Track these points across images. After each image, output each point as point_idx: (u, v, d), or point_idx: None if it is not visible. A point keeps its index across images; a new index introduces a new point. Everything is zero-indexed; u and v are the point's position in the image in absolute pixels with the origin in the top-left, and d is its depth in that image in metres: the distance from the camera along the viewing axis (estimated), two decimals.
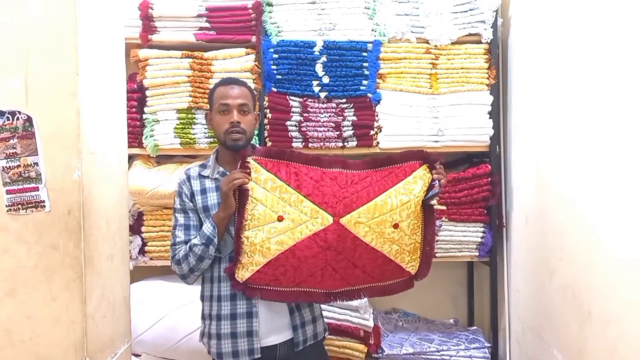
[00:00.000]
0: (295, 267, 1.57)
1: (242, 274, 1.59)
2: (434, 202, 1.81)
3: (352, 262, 1.61)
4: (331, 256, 1.58)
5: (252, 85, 2.48)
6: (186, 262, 1.62)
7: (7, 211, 1.32)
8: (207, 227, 1.60)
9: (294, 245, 1.56)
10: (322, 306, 1.85)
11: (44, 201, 1.33)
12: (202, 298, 1.71)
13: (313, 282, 1.60)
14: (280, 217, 1.56)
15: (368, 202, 1.59)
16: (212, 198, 1.67)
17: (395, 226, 1.61)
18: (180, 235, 1.65)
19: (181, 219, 1.68)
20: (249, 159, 1.58)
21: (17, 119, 1.32)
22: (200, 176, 1.71)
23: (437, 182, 1.63)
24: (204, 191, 1.69)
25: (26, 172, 1.33)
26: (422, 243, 1.70)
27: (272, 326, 1.65)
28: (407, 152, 1.69)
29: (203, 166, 1.74)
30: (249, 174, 1.57)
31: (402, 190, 1.63)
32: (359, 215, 1.58)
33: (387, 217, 1.60)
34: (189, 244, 1.62)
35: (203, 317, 1.71)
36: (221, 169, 1.72)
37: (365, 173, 1.65)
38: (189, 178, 1.71)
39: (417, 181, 1.64)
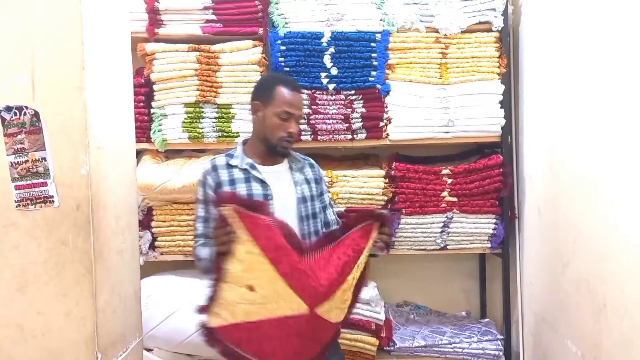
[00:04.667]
0: (258, 342, 1.49)
1: (211, 320, 1.50)
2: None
3: (317, 342, 1.57)
4: (299, 342, 1.51)
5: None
6: (199, 264, 1.65)
7: (17, 207, 1.32)
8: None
9: (261, 321, 1.48)
10: None
11: (52, 196, 1.32)
12: None
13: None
14: (250, 286, 1.47)
15: (340, 286, 1.53)
16: (241, 189, 1.67)
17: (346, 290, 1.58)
18: (200, 227, 1.68)
19: (201, 211, 1.68)
20: (232, 220, 1.45)
21: (24, 114, 1.32)
22: (229, 165, 1.71)
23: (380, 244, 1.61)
24: (232, 182, 1.68)
25: (34, 167, 1.32)
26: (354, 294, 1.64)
27: None
28: (361, 214, 1.65)
29: (229, 156, 1.75)
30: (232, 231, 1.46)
31: (363, 259, 1.59)
32: (334, 301, 1.52)
33: (350, 291, 1.58)
34: (198, 256, 1.64)
35: None
36: (249, 160, 1.72)
37: (327, 252, 1.57)
38: (215, 168, 1.71)
39: (370, 243, 1.60)
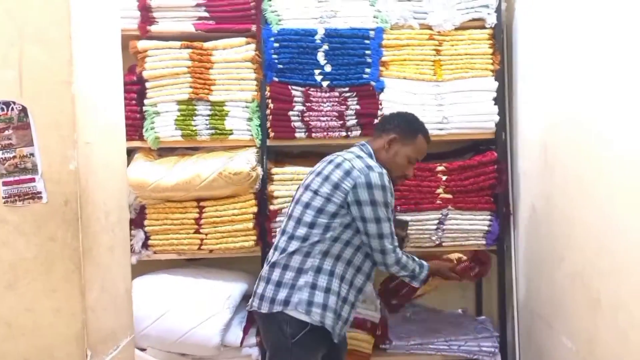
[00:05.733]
0: None
1: None
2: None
3: None
4: None
5: (253, 75, 2.45)
6: (403, 269, 1.82)
7: (5, 203, 1.31)
8: (424, 274, 1.85)
9: None
10: None
11: (40, 192, 1.31)
12: (333, 274, 1.76)
13: None
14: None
15: None
16: (393, 203, 1.83)
17: None
18: (389, 228, 1.78)
19: (389, 213, 1.78)
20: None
21: (12, 109, 1.30)
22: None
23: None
24: (392, 194, 1.80)
25: (22, 163, 1.31)
26: None
27: None
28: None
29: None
30: None
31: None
32: None
33: None
34: (405, 263, 1.81)
35: (318, 288, 1.74)
36: None
37: None
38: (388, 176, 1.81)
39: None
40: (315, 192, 1.78)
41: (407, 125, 1.89)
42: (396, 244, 1.79)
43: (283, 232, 1.84)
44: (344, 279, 1.78)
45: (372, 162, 1.80)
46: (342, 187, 1.74)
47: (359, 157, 1.81)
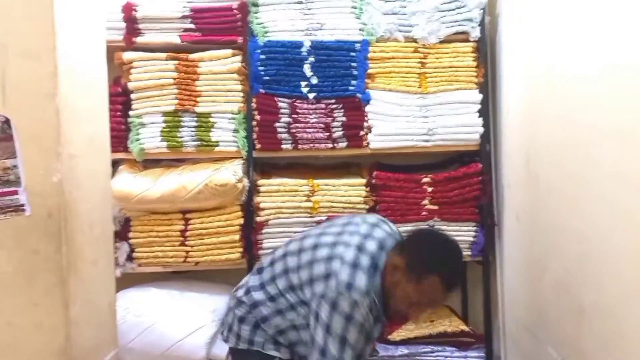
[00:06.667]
0: None
1: None
2: None
3: None
4: None
5: (239, 87, 2.45)
6: None
7: None
8: None
9: None
10: None
11: (23, 205, 1.29)
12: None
13: None
14: None
15: None
16: (369, 328, 1.52)
17: None
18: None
19: (341, 349, 1.43)
20: None
21: None
22: (375, 301, 1.49)
23: None
24: (377, 320, 1.54)
25: (5, 175, 1.29)
26: None
27: None
28: None
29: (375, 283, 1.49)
30: None
31: None
32: None
33: None
34: None
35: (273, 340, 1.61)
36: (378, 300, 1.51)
37: None
38: (369, 293, 1.46)
39: None
40: (298, 268, 1.56)
41: (422, 257, 1.46)
42: None
43: (259, 271, 1.68)
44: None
45: (361, 281, 1.44)
46: (313, 289, 1.50)
47: (355, 265, 1.46)
